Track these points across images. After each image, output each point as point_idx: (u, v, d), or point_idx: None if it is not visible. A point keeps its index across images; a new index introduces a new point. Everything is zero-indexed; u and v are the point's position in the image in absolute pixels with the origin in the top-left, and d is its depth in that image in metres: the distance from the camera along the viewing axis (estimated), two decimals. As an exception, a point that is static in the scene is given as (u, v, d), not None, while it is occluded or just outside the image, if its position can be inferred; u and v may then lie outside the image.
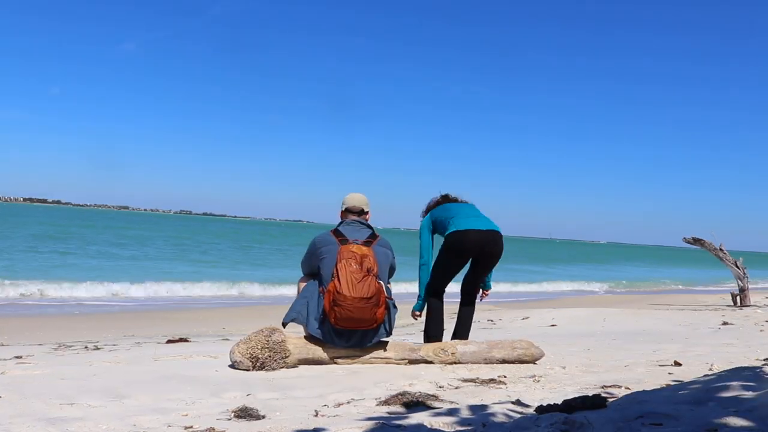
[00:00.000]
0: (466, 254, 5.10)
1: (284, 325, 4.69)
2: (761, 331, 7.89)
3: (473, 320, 5.42)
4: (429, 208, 5.50)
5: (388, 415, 3.09)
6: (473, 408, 3.10)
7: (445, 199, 5.50)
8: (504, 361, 4.71)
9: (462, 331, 5.25)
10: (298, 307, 4.67)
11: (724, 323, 9.06)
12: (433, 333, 5.13)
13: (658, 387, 3.60)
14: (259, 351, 4.33)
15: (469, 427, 2.67)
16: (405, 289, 10.68)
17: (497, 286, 20.86)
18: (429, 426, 2.74)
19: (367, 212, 4.98)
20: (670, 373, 4.32)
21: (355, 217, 4.90)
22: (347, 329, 4.48)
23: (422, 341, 5.05)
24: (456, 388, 3.91)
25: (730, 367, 4.01)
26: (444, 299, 5.28)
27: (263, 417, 3.14)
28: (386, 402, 3.44)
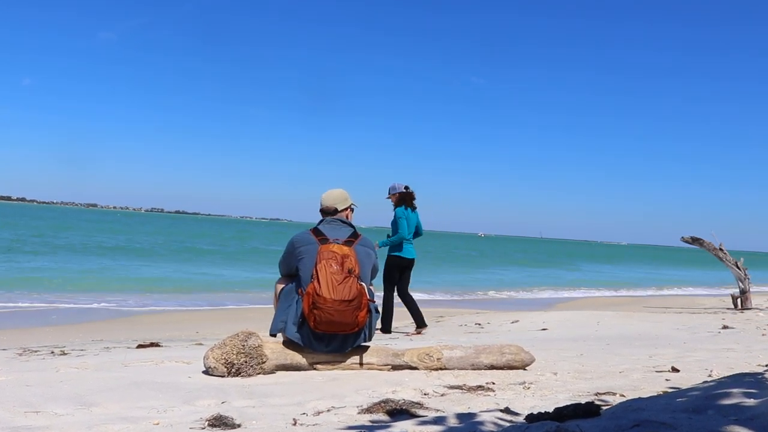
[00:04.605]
0: (399, 270, 8.66)
1: (272, 336, 4.67)
2: (763, 335, 7.97)
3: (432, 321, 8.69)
4: (401, 198, 8.62)
5: (370, 424, 3.08)
6: (460, 416, 3.10)
7: (408, 197, 8.65)
8: (492, 367, 4.72)
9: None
10: (283, 315, 4.62)
11: (725, 327, 9.13)
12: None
13: (655, 394, 3.61)
14: (235, 356, 4.31)
15: (456, 437, 2.66)
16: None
17: (488, 290, 20.90)
18: (414, 435, 2.73)
19: (344, 209, 4.91)
20: (667, 380, 4.34)
21: (332, 217, 4.86)
22: (327, 333, 4.45)
23: (406, 346, 5.05)
24: (442, 395, 3.91)
25: (731, 373, 4.04)
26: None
27: (238, 426, 3.13)
28: (368, 410, 3.43)
